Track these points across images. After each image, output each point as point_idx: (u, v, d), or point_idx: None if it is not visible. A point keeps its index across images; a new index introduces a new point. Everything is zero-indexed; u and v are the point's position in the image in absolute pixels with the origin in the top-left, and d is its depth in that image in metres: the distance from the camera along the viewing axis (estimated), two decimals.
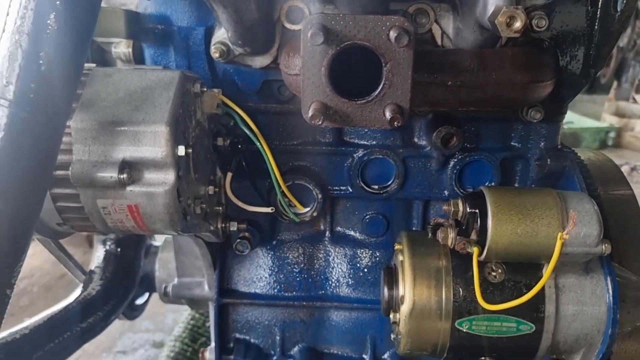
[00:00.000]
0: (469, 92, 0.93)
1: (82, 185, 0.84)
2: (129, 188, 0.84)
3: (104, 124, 0.83)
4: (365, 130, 1.17)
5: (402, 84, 0.84)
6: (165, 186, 0.85)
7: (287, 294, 1.26)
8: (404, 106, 0.85)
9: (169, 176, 0.85)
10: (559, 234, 0.81)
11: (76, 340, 1.09)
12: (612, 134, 4.52)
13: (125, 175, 0.83)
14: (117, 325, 2.07)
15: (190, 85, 0.91)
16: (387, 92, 0.84)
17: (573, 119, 4.40)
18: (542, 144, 1.17)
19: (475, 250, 0.92)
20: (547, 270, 0.83)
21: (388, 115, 0.83)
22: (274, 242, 1.26)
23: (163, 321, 2.08)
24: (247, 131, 1.01)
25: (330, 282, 1.26)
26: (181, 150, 0.84)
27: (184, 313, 1.94)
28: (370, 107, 0.86)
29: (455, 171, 1.17)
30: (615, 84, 5.33)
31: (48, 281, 2.42)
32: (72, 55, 0.74)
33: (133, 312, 1.43)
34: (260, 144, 1.02)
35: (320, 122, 0.82)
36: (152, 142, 0.83)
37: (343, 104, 0.85)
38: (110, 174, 0.82)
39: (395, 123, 0.81)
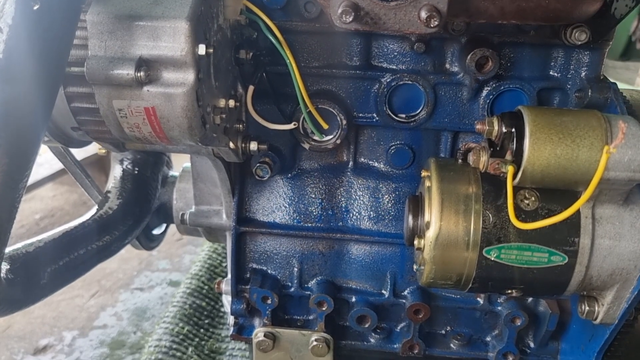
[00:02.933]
0: (511, 1, 0.86)
1: (98, 83, 0.80)
2: (146, 88, 0.80)
3: (121, 17, 0.79)
4: (395, 53, 1.11)
5: None
6: (184, 87, 0.80)
7: (306, 225, 1.22)
8: (442, 8, 0.79)
9: (189, 76, 0.80)
10: (605, 147, 0.75)
11: (92, 258, 1.07)
12: None
13: (142, 73, 0.78)
14: (135, 263, 2.08)
15: None
16: None
17: None
18: (584, 73, 1.10)
19: (510, 168, 0.86)
20: (590, 186, 0.77)
21: (424, 15, 0.77)
22: (295, 172, 1.22)
23: (180, 262, 2.08)
24: (272, 39, 0.96)
25: (351, 215, 1.22)
26: (202, 49, 0.79)
27: (201, 254, 1.94)
28: (405, 9, 0.80)
29: (488, 101, 1.11)
30: None
31: (68, 221, 2.43)
32: None
33: (150, 242, 1.41)
34: (286, 54, 0.97)
35: (350, 20, 0.77)
36: (172, 39, 0.79)
37: (375, 4, 0.80)
38: (127, 71, 0.78)
39: (432, 22, 0.75)
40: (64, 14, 0.71)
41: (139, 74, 0.78)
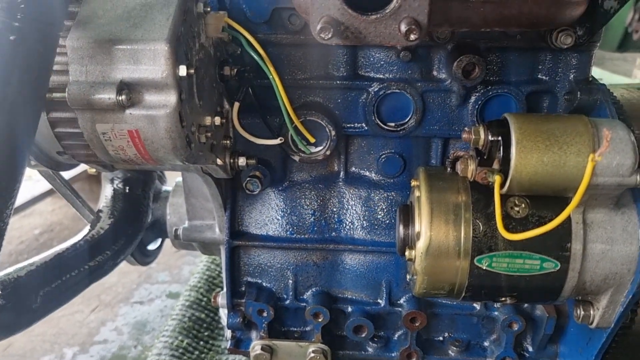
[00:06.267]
0: (493, 9, 0.86)
1: (80, 107, 0.80)
2: (128, 111, 0.80)
3: (101, 42, 0.79)
4: (382, 62, 1.11)
5: None
6: (167, 109, 0.80)
7: (300, 237, 1.21)
8: (422, 20, 0.78)
9: (170, 98, 0.80)
10: (591, 155, 0.74)
11: (85, 279, 1.07)
12: None
13: (123, 97, 0.78)
14: (134, 277, 2.08)
15: (192, 3, 0.86)
16: (402, 4, 0.78)
17: (603, 77, 4.21)
18: (572, 75, 1.09)
19: (497, 178, 0.86)
20: (577, 195, 0.77)
21: (403, 28, 0.76)
22: (286, 183, 1.21)
23: (179, 273, 2.08)
24: (254, 55, 0.95)
25: (344, 225, 1.21)
26: (182, 70, 0.79)
27: (200, 265, 1.93)
28: (385, 22, 0.79)
29: (476, 107, 1.11)
30: None
31: (67, 235, 2.43)
32: None
33: (145, 257, 1.41)
34: (269, 70, 0.97)
35: (329, 37, 0.76)
36: (152, 61, 0.78)
37: (355, 19, 0.79)
38: (109, 95, 0.78)
39: (412, 36, 0.75)
40: (41, 43, 0.71)
41: (120, 98, 0.78)
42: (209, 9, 0.90)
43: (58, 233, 2.49)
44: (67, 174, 1.22)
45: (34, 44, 0.70)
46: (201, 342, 1.62)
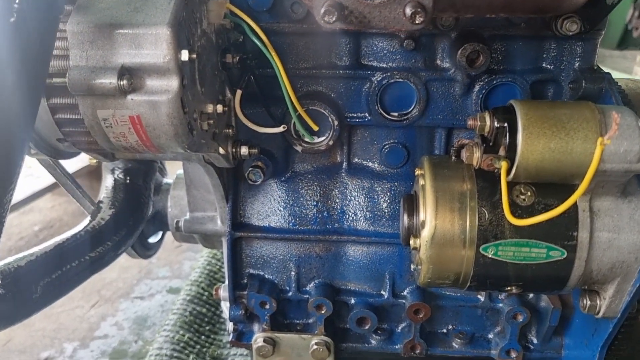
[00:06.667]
0: None
1: (81, 93, 0.79)
2: (129, 97, 0.79)
3: (102, 26, 0.77)
4: (385, 51, 1.10)
5: None
6: (169, 94, 0.79)
7: (302, 228, 1.20)
8: (427, 4, 0.77)
9: (172, 83, 0.79)
10: (599, 139, 0.73)
11: (85, 269, 1.06)
12: None
13: (125, 82, 0.77)
14: (135, 272, 2.07)
15: None
16: None
17: None
18: (577, 64, 1.08)
19: (503, 164, 0.85)
20: (585, 180, 0.76)
21: (409, 11, 0.75)
22: (289, 174, 1.20)
23: (180, 268, 2.07)
24: (257, 42, 0.94)
25: (347, 216, 1.20)
26: (184, 55, 0.78)
27: (200, 260, 1.92)
28: (390, 6, 0.78)
29: (480, 96, 1.10)
30: None
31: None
32: None
33: (146, 250, 1.40)
34: (272, 57, 0.96)
35: (333, 20, 0.75)
36: (154, 46, 0.77)
37: (359, 3, 0.78)
38: (110, 80, 0.77)
39: (418, 19, 0.74)
40: (41, 26, 0.70)
41: (121, 83, 0.77)
42: None
43: (58, 229, 2.48)
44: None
45: (34, 27, 0.69)
46: (202, 337, 1.61)
